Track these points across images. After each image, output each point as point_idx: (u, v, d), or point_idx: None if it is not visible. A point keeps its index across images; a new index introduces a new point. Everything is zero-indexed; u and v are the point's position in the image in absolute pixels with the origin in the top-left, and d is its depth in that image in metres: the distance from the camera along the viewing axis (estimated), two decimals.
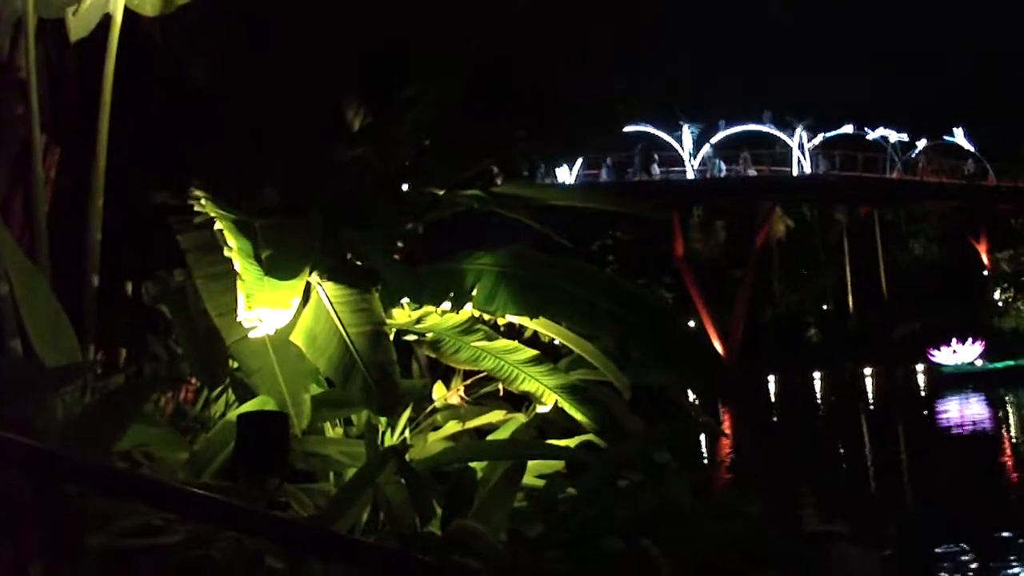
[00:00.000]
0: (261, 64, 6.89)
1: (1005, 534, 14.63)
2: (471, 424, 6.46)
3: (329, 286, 5.35)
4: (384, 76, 7.25)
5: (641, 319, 6.03)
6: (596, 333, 6.36)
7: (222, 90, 6.80)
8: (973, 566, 12.86)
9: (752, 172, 61.33)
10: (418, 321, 6.28)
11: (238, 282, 4.64)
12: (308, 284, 5.09)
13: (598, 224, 67.21)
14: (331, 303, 5.27)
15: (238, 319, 4.62)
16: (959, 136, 66.96)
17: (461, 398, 6.78)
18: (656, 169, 59.47)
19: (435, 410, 6.59)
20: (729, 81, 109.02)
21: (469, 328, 6.22)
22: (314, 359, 5.13)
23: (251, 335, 4.76)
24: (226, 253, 4.78)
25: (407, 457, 5.16)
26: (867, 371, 61.00)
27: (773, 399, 54.26)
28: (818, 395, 54.94)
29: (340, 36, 7.26)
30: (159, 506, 3.08)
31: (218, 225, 4.91)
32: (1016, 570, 12.30)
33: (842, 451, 28.79)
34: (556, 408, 6.22)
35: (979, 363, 47.85)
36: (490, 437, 6.25)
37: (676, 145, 59.71)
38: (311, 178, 6.53)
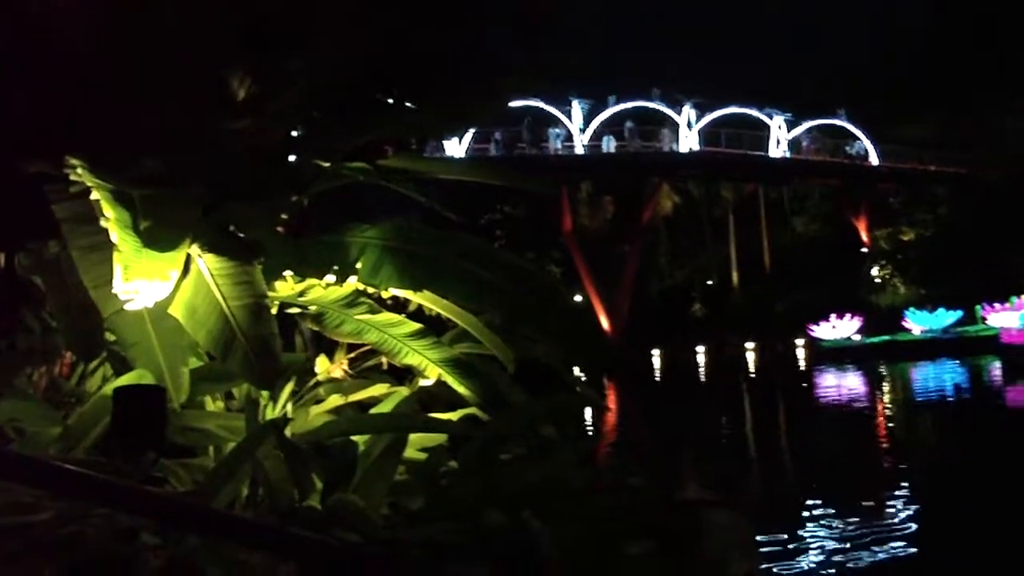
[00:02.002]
0: (143, 30, 6.74)
1: (873, 497, 15.21)
2: (354, 398, 6.45)
3: (210, 258, 5.27)
4: (272, 45, 7.15)
5: (527, 293, 6.07)
6: (481, 307, 6.39)
7: (102, 56, 6.63)
8: (840, 527, 13.32)
9: (638, 143, 62.01)
10: (302, 294, 6.23)
11: (115, 253, 4.56)
12: (188, 256, 5.02)
13: (487, 198, 67.35)
14: (212, 275, 5.19)
15: (115, 291, 4.53)
16: (843, 117, 68.77)
17: (344, 371, 6.76)
18: (558, 143, 59.85)
19: (318, 384, 6.57)
20: (622, 58, 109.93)
21: (353, 301, 6.19)
22: (193, 332, 5.06)
23: (128, 307, 4.68)
24: (103, 224, 4.69)
25: (288, 431, 5.13)
26: (750, 345, 62.42)
27: (658, 373, 55.19)
28: (702, 368, 56.07)
29: (226, 2, 7.13)
30: (28, 482, 3.02)
31: (95, 195, 4.81)
32: (882, 529, 12.75)
33: (723, 421, 29.54)
34: (440, 382, 6.24)
35: (857, 338, 49.38)
36: (373, 411, 6.25)
37: (566, 120, 60.08)
38: (193, 148, 6.42)
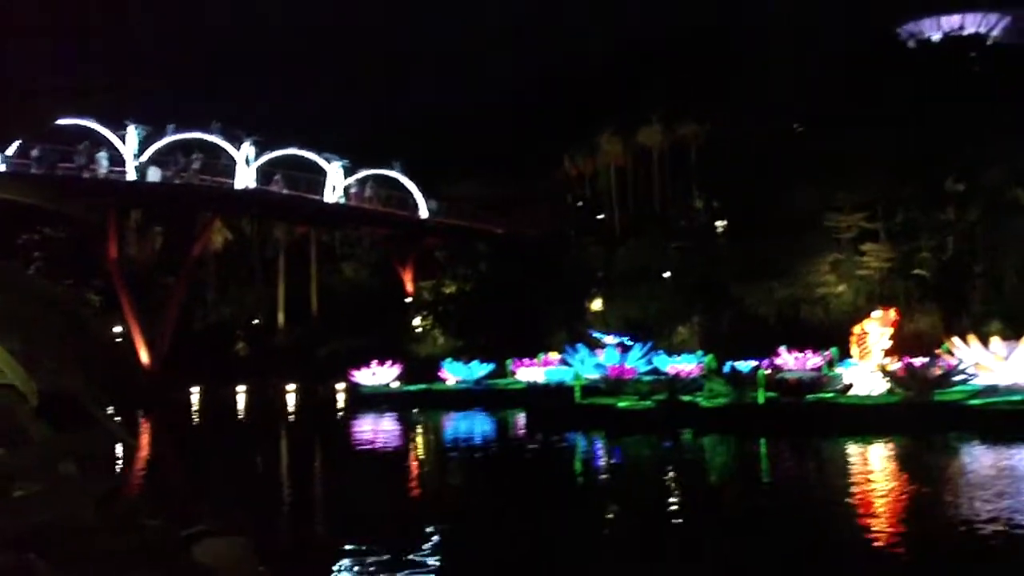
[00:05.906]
0: None
1: (396, 534, 15.77)
2: None
3: None
4: None
5: (52, 321, 5.75)
6: (0, 333, 6.00)
7: None
8: (363, 563, 13.66)
9: (196, 166, 60.72)
10: None
11: None
12: None
13: (26, 218, 63.05)
14: None
15: None
16: (397, 169, 71.02)
17: None
18: (104, 164, 56.96)
19: None
20: (185, 90, 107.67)
21: None
22: None
23: None
24: None
25: None
26: (291, 387, 62.46)
27: (196, 410, 54.02)
28: (241, 408, 55.54)
29: None
30: None
31: None
32: (405, 562, 13.19)
33: (256, 461, 29.58)
34: None
35: (395, 385, 50.75)
36: None
37: (119, 144, 57.58)
38: None
